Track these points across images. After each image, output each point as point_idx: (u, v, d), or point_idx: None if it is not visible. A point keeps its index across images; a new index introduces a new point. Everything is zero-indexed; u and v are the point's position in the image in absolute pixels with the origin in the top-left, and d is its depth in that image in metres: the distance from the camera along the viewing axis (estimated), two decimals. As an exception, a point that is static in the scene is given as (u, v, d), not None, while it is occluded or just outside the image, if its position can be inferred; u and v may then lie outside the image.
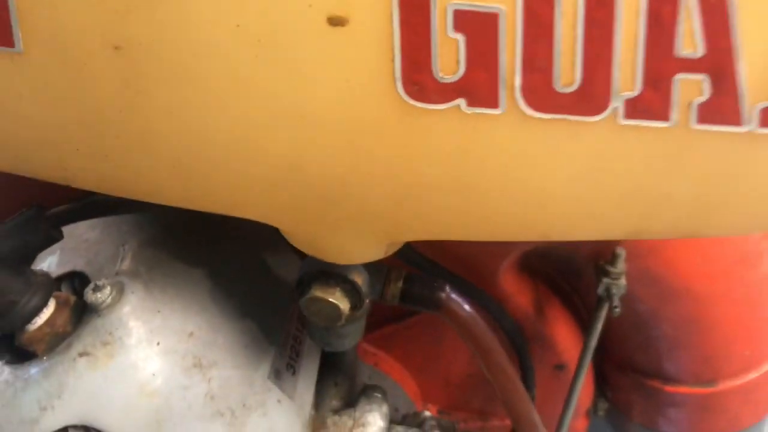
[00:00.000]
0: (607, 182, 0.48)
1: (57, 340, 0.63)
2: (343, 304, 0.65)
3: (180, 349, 0.65)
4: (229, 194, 0.54)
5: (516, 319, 0.94)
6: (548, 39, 0.42)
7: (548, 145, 0.46)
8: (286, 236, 0.59)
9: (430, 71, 0.43)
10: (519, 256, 0.90)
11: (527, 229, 0.54)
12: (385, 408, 0.82)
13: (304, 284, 0.66)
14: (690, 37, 0.41)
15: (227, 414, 0.67)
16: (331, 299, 0.65)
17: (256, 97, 0.46)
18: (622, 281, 0.84)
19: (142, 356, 0.63)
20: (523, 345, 0.96)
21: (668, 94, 0.43)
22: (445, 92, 0.44)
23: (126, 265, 0.68)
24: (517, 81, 0.43)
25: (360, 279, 0.66)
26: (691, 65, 0.42)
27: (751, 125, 0.44)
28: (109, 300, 0.63)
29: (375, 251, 0.59)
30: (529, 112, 0.44)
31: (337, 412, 0.82)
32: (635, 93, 0.43)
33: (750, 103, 0.43)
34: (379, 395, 0.83)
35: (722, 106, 0.43)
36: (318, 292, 0.65)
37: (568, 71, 0.43)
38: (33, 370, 0.62)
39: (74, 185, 0.57)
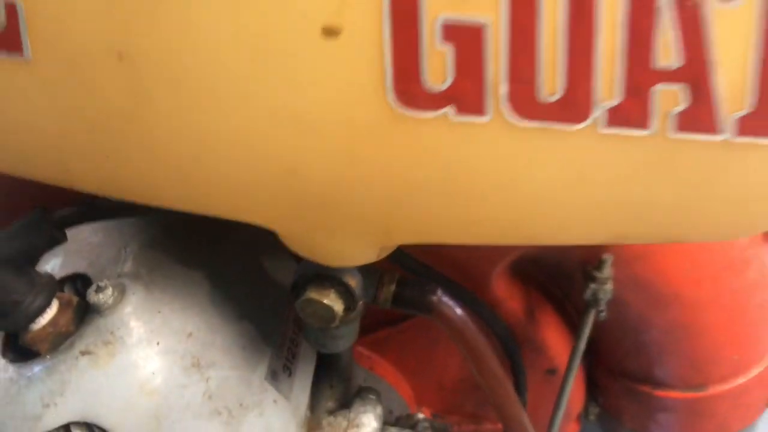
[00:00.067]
0: (590, 188, 0.50)
1: (60, 339, 0.63)
2: (337, 306, 0.66)
3: (179, 349, 0.66)
4: (227, 198, 0.55)
5: (508, 324, 0.94)
6: (531, 50, 0.43)
7: (533, 152, 0.48)
8: (282, 239, 0.60)
9: (420, 80, 0.45)
10: (511, 261, 0.90)
11: (514, 232, 0.55)
12: (379, 409, 0.83)
13: (299, 286, 0.67)
14: (667, 49, 0.43)
15: (224, 413, 0.68)
16: (325, 301, 0.65)
17: (254, 103, 0.48)
18: (609, 286, 0.84)
19: (143, 355, 0.64)
20: (515, 349, 0.96)
21: (647, 103, 0.45)
22: (434, 100, 0.46)
23: (128, 267, 0.69)
24: (503, 90, 0.45)
25: (354, 282, 0.66)
26: (668, 76, 0.43)
27: (727, 134, 0.45)
28: (110, 301, 0.64)
29: (368, 254, 0.60)
30: (515, 120, 0.46)
31: (332, 413, 0.83)
32: (615, 102, 0.44)
33: (726, 113, 0.44)
34: (374, 397, 0.84)
35: (699, 116, 0.45)
36: (313, 294, 0.66)
37: (550, 81, 0.44)
38: (36, 368, 0.63)
39: (78, 188, 0.58)
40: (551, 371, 1.00)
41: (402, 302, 0.72)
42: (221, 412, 0.68)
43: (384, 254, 0.62)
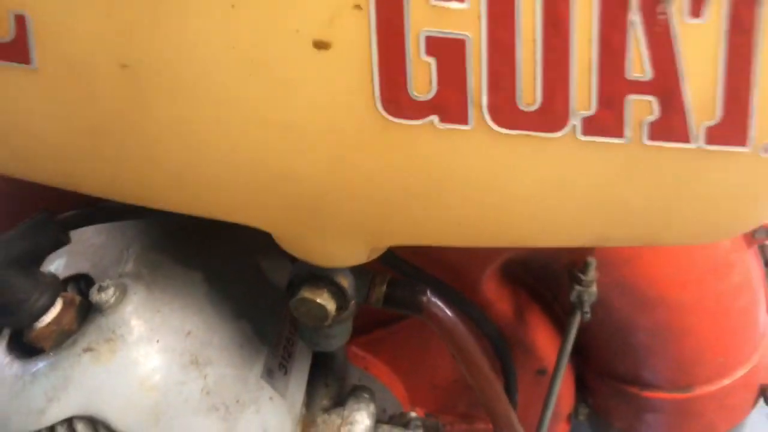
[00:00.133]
0: (569, 193, 0.52)
1: (63, 337, 0.65)
2: (330, 305, 0.67)
3: (178, 347, 0.67)
4: (224, 201, 0.57)
5: (498, 325, 0.95)
6: (511, 63, 0.46)
7: (515, 158, 0.50)
8: (277, 241, 0.62)
9: (406, 90, 0.47)
10: (501, 264, 0.92)
11: (499, 235, 0.57)
12: (372, 408, 0.84)
13: (294, 286, 0.68)
14: (639, 62, 0.45)
15: (222, 409, 0.69)
16: (318, 300, 0.67)
17: (248, 112, 0.50)
18: (593, 289, 0.86)
19: (143, 353, 0.65)
20: (505, 350, 0.96)
21: (621, 113, 0.47)
22: (419, 109, 0.48)
23: (129, 267, 0.70)
24: (484, 100, 0.47)
25: (346, 282, 0.68)
26: (640, 87, 0.46)
27: (698, 142, 0.47)
28: (112, 300, 0.65)
29: (358, 255, 0.62)
30: (496, 128, 0.48)
31: (326, 410, 0.85)
32: (591, 112, 0.47)
33: (696, 122, 0.47)
34: (367, 395, 0.86)
35: (671, 125, 0.47)
36: (307, 294, 0.67)
37: (529, 91, 0.46)
38: (40, 364, 0.64)
39: (81, 191, 0.60)
40: (541, 372, 1.01)
41: (393, 302, 0.73)
42: (218, 408, 0.69)
43: (374, 255, 0.63)
